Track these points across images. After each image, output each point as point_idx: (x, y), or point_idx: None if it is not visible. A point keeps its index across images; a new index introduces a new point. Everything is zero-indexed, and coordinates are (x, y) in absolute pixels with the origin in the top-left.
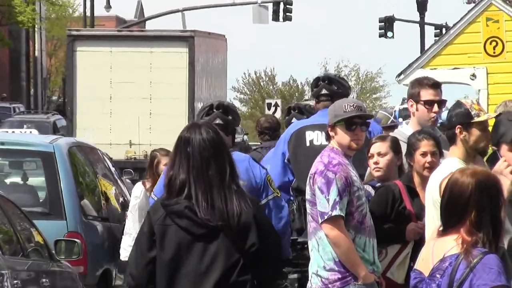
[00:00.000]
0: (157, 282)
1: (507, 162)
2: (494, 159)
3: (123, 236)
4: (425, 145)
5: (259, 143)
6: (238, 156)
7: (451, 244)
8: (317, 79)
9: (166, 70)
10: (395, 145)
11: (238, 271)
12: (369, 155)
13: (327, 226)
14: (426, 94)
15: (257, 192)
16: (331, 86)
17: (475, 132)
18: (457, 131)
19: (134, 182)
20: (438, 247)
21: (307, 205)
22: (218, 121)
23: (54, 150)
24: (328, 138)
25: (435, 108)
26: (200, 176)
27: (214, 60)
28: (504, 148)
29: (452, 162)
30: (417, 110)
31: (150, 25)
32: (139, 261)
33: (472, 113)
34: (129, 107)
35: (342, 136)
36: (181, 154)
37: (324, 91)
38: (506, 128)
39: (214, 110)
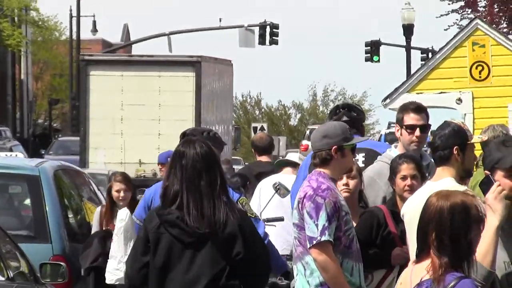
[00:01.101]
0: (150, 287)
1: (502, 187)
2: (488, 183)
3: (108, 260)
4: (405, 169)
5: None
6: None
7: (426, 269)
8: (336, 107)
9: (174, 93)
10: (360, 170)
11: (225, 278)
12: None
13: (316, 251)
14: (408, 118)
15: None
16: (350, 113)
17: (470, 154)
18: (455, 151)
19: None
20: (416, 272)
21: (294, 229)
22: None
23: (40, 174)
24: (325, 161)
25: (417, 132)
26: (192, 187)
27: (220, 84)
28: (499, 174)
29: (449, 182)
30: (401, 134)
31: (136, 49)
32: (134, 264)
33: (468, 134)
34: (139, 128)
35: (349, 159)
36: (176, 166)
37: (344, 118)
38: (502, 154)
39: None
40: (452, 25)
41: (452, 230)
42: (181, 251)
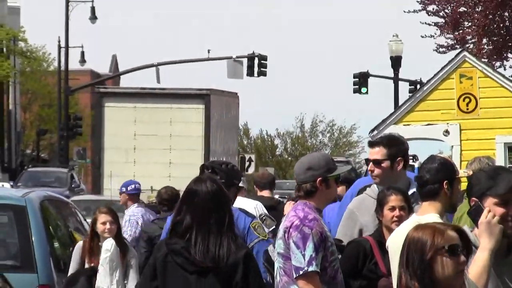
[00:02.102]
0: None
1: (493, 213)
2: (477, 210)
3: None
4: (394, 200)
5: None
6: None
7: None
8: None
9: (185, 124)
10: None
11: None
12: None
13: (303, 281)
14: (368, 153)
15: (243, 239)
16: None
17: (457, 188)
18: (445, 186)
19: None
20: None
21: (279, 259)
22: None
23: (26, 204)
24: (310, 193)
25: (369, 166)
26: (202, 224)
27: (227, 115)
28: (490, 200)
29: (433, 219)
30: None
31: (125, 80)
32: None
33: (455, 169)
34: (151, 157)
35: (333, 189)
36: (188, 203)
37: None
38: (494, 181)
39: (205, 170)
40: (436, 49)
41: (407, 261)
42: (186, 278)
